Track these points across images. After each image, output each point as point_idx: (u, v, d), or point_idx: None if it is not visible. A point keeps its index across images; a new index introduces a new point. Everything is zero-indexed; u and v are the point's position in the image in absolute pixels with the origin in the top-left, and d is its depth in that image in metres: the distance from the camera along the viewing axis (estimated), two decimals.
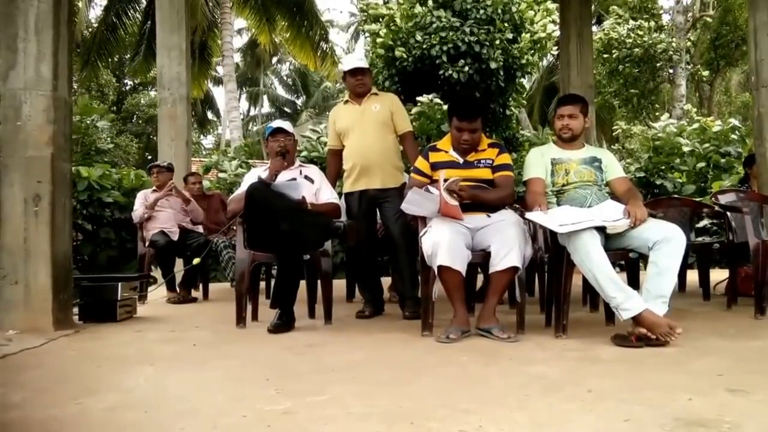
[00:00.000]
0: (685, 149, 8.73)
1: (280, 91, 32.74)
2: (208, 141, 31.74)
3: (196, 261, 4.33)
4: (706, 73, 17.78)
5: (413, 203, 3.10)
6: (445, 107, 8.63)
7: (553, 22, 10.18)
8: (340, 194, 4.09)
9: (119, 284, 3.71)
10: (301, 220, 3.27)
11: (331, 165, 4.20)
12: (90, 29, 15.92)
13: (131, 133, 21.54)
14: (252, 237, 3.42)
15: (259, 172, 3.75)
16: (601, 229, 2.91)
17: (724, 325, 3.22)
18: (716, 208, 4.27)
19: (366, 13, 11.53)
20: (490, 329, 2.95)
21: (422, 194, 3.07)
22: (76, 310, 3.75)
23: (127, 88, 25.60)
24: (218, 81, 24.76)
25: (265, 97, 31.13)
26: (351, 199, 4.00)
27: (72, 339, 3.20)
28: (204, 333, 3.36)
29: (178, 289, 4.99)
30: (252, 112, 32.18)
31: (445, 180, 3.01)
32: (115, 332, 3.41)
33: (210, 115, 28.80)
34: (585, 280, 3.46)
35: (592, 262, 2.78)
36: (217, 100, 27.98)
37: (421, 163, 3.38)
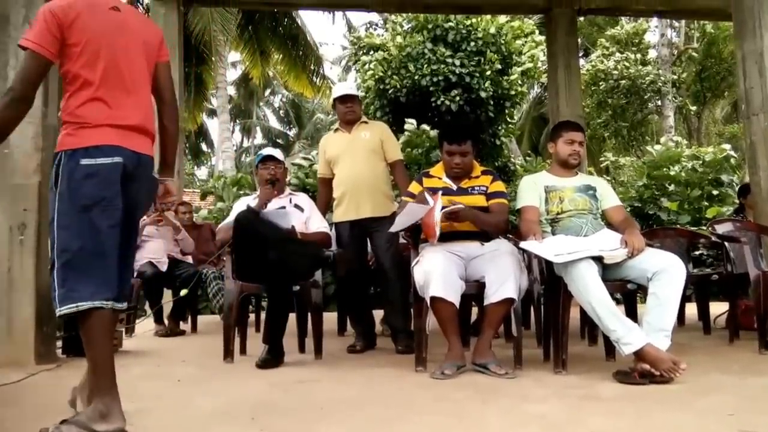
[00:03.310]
0: (679, 172, 8.70)
1: (273, 122, 32.91)
2: (202, 172, 31.73)
3: (183, 292, 4.22)
4: (693, 107, 17.98)
5: (407, 214, 3.02)
6: (433, 133, 8.63)
7: (543, 51, 10.28)
8: (331, 225, 4.02)
9: None
10: (289, 249, 3.18)
11: (322, 193, 4.15)
12: None
13: None
14: (240, 267, 3.33)
15: (248, 200, 3.68)
16: (598, 259, 2.84)
17: (727, 361, 3.13)
18: (713, 238, 4.21)
19: (357, 45, 11.64)
20: (487, 364, 2.85)
21: (416, 208, 2.99)
22: (60, 343, 3.63)
23: None
24: (212, 113, 24.82)
25: (258, 128, 31.21)
26: (341, 229, 3.93)
27: (53, 374, 3.08)
28: (190, 368, 3.23)
29: (166, 322, 4.86)
30: (245, 144, 32.23)
31: (443, 207, 2.93)
32: None
33: (204, 146, 28.82)
34: (582, 312, 3.39)
35: (590, 293, 2.70)
36: (210, 132, 28.06)
37: (414, 187, 3.31)
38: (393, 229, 3.15)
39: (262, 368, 3.08)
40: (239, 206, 3.63)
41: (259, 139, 31.55)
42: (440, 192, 3.04)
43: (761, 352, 3.29)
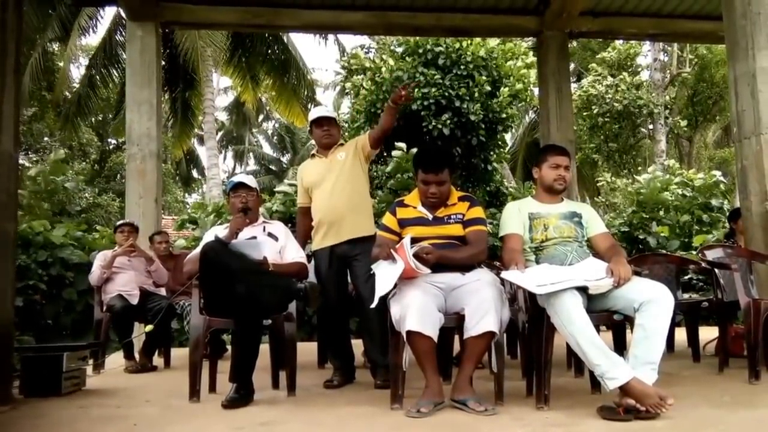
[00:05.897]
0: (669, 198, 8.64)
1: (267, 149, 32.86)
2: (193, 199, 31.59)
3: (148, 328, 4.03)
4: (684, 122, 17.99)
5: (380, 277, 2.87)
6: None
7: (534, 72, 10.23)
8: (309, 255, 3.86)
9: (64, 355, 3.40)
10: (258, 281, 3.02)
11: (301, 223, 4.00)
12: (70, 90, 15.80)
13: (114, 192, 21.25)
14: (208, 301, 3.17)
15: (218, 230, 3.52)
16: (582, 290, 2.71)
17: (717, 392, 3.00)
18: (703, 264, 4.10)
19: (348, 69, 11.61)
20: (466, 401, 2.70)
21: (386, 268, 2.84)
22: (18, 382, 3.43)
23: (111, 147, 25.45)
24: (203, 139, 24.78)
25: (251, 154, 31.17)
26: (320, 257, 3.77)
27: (4, 418, 2.89)
28: (152, 409, 3.04)
29: (137, 357, 4.66)
30: (238, 170, 32.16)
31: (411, 245, 2.80)
32: (55, 409, 3.08)
33: (195, 173, 28.68)
34: None
35: (574, 325, 2.57)
36: (201, 159, 27.95)
37: (388, 219, 3.18)
38: (377, 298, 2.85)
39: (229, 408, 2.89)
40: (209, 236, 3.47)
41: (252, 165, 31.51)
42: (404, 240, 2.88)
43: (751, 382, 3.18)
